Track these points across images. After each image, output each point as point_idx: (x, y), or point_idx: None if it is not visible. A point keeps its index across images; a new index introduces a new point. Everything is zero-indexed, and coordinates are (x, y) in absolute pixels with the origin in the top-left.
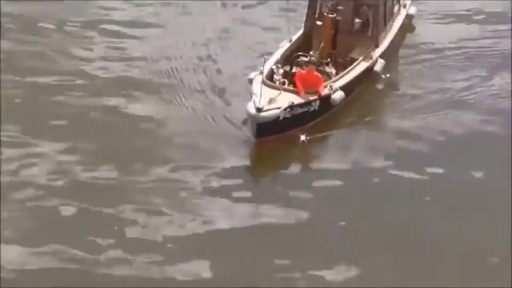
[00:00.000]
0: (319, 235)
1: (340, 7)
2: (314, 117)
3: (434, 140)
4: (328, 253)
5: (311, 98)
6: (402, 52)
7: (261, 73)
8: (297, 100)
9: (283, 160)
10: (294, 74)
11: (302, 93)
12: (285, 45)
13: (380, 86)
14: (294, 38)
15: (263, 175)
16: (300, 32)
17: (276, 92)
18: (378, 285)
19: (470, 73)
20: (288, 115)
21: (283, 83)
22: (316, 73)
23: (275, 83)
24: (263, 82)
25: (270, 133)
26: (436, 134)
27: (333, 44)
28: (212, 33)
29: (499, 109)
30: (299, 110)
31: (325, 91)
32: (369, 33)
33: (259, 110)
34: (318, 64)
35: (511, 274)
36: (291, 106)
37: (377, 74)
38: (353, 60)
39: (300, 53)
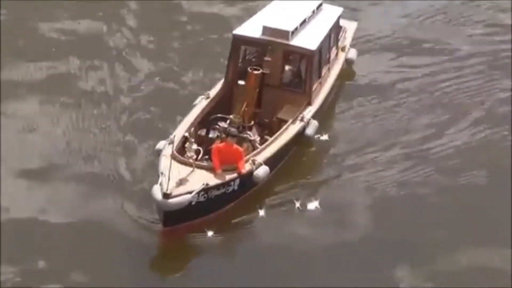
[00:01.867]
0: None
1: (267, 58)
2: (233, 199)
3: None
4: None
5: (230, 177)
6: (339, 106)
7: (171, 143)
8: (213, 180)
9: (195, 252)
10: (211, 140)
11: (219, 171)
12: (201, 103)
13: (312, 149)
14: (213, 93)
15: (171, 272)
16: (220, 85)
17: (188, 169)
18: None
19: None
20: (202, 199)
21: (198, 152)
22: (236, 146)
23: (188, 154)
24: (173, 157)
25: (180, 221)
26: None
27: (258, 102)
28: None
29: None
30: (215, 192)
31: (246, 167)
32: (300, 88)
33: (166, 196)
34: (240, 131)
35: (511, 273)
36: (206, 189)
37: (308, 137)
38: (281, 122)
39: (219, 115)
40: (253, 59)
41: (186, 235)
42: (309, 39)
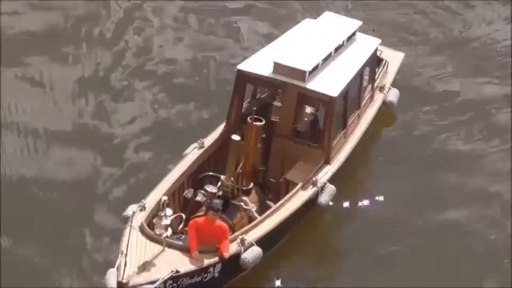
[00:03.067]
0: None
1: (277, 103)
2: None
3: None
4: None
5: (208, 261)
6: (371, 162)
7: (142, 209)
8: (186, 265)
9: None
10: (197, 205)
11: (195, 253)
12: (193, 154)
13: (326, 222)
14: (209, 142)
15: None
16: (219, 131)
17: (157, 248)
18: None
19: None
20: None
21: (179, 220)
22: (218, 223)
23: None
24: (141, 230)
25: None
26: None
27: (265, 157)
28: None
29: None
30: (188, 281)
31: (232, 248)
32: (317, 142)
33: (121, 286)
34: (233, 196)
35: (511, 273)
36: (175, 277)
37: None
38: (289, 184)
39: (210, 173)
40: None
41: None
42: (331, 82)
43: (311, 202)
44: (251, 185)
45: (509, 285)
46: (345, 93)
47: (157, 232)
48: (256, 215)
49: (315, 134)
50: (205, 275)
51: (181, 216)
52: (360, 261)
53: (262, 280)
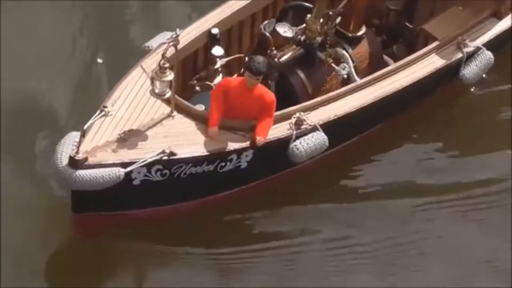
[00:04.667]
0: None
1: None
2: (237, 184)
3: None
4: None
5: (230, 145)
6: None
7: (173, 42)
8: (192, 145)
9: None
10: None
11: (214, 128)
12: None
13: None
14: None
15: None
16: None
17: (160, 112)
18: None
19: None
20: (157, 178)
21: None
22: (262, 90)
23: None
24: (152, 78)
25: (107, 209)
26: None
27: None
28: None
29: None
30: (189, 170)
31: (278, 130)
32: None
33: (73, 162)
34: (318, 47)
35: (511, 274)
36: (166, 161)
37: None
38: (428, 40)
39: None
40: None
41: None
42: None
43: (448, 74)
44: (363, 30)
45: (509, 285)
46: None
47: (157, 90)
48: (356, 77)
49: None
50: (222, 163)
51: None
52: None
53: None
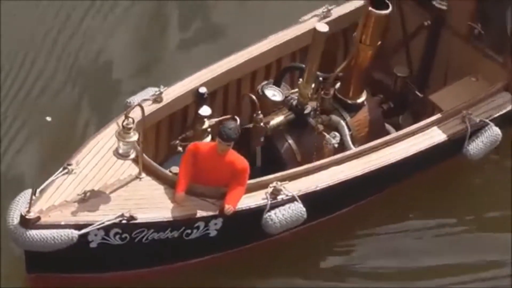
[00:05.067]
0: None
1: None
2: (205, 252)
3: None
4: None
5: (197, 212)
6: None
7: (157, 99)
8: (156, 209)
9: None
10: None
11: (180, 194)
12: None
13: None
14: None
15: None
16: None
17: (128, 174)
18: None
19: None
20: (116, 241)
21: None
22: (234, 156)
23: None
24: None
25: (62, 270)
26: None
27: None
28: None
29: None
30: (152, 235)
31: (253, 199)
32: (500, 53)
33: (24, 222)
34: (308, 113)
35: (511, 274)
36: (125, 225)
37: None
38: (434, 110)
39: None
40: None
41: None
42: None
43: (451, 148)
44: (363, 96)
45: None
46: None
47: (120, 150)
48: (351, 146)
49: (498, 42)
50: (188, 230)
51: (234, 119)
52: None
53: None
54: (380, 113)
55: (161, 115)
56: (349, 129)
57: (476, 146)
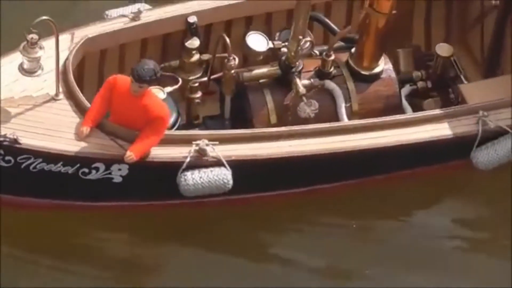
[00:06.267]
0: None
1: None
2: (107, 197)
3: None
4: None
5: (101, 153)
6: None
7: None
8: (51, 139)
9: None
10: None
11: (85, 127)
12: None
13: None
14: None
15: None
16: None
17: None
18: None
19: None
20: (2, 163)
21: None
22: (152, 100)
23: None
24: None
25: None
26: None
27: None
28: None
29: None
30: (41, 165)
31: (162, 156)
32: None
33: None
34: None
35: (511, 274)
36: (9, 148)
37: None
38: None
39: None
40: None
41: None
42: None
43: (456, 149)
44: (381, 66)
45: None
46: None
47: (25, 66)
48: (345, 118)
49: None
50: (85, 169)
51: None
52: None
53: None
54: (397, 90)
55: (132, 36)
56: (348, 101)
57: (486, 154)
